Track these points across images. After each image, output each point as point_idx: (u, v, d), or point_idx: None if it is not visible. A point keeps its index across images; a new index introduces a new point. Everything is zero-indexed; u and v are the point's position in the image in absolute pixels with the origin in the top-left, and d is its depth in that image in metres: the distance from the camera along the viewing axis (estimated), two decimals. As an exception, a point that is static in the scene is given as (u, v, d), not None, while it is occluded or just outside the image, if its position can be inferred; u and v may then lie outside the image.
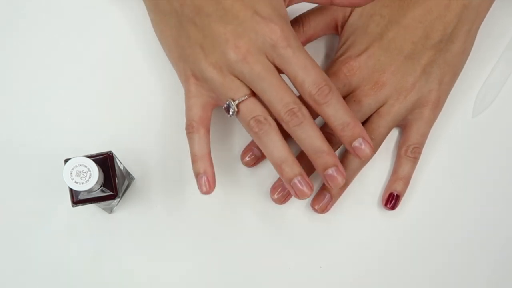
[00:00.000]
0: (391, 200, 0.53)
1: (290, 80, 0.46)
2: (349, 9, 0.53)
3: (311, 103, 0.46)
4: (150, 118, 0.54)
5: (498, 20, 0.56)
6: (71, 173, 0.43)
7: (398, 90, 0.52)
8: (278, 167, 0.47)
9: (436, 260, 0.54)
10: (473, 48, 0.54)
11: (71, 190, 0.46)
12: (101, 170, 0.45)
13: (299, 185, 0.46)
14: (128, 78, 0.55)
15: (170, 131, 0.54)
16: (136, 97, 0.54)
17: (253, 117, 0.46)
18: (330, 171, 0.46)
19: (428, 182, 0.54)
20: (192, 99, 0.48)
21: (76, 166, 0.43)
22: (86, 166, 0.43)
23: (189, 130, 0.48)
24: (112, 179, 0.46)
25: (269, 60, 0.46)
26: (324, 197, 0.52)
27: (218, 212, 0.53)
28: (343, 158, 0.53)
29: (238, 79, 0.46)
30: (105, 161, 0.46)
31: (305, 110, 0.46)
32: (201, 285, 0.53)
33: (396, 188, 0.53)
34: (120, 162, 0.50)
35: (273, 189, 0.52)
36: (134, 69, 0.55)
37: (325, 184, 0.48)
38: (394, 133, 0.55)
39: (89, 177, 0.43)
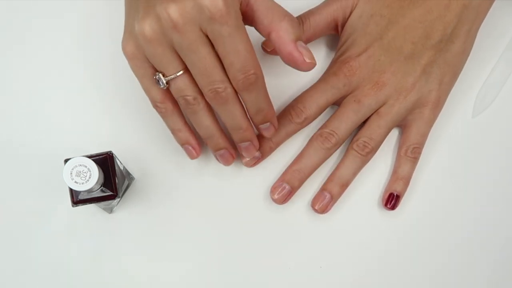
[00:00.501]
0: (391, 200, 0.53)
1: (220, 57, 0.44)
2: (349, 9, 0.53)
3: (234, 85, 0.45)
4: (150, 118, 0.54)
5: (498, 20, 0.56)
6: (71, 173, 0.43)
7: (398, 90, 0.52)
8: (205, 140, 0.49)
9: (436, 260, 0.54)
10: (473, 48, 0.54)
11: (71, 190, 0.46)
12: (101, 170, 0.45)
13: (222, 156, 0.50)
14: (128, 78, 0.54)
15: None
16: (136, 97, 0.54)
17: (182, 96, 0.46)
18: (245, 144, 0.49)
19: (428, 182, 0.54)
20: (144, 79, 0.47)
21: (76, 166, 0.43)
22: (86, 166, 0.43)
23: (158, 110, 0.48)
24: (112, 179, 0.46)
25: (202, 32, 0.43)
26: (324, 197, 0.52)
27: (218, 212, 0.53)
28: (343, 158, 0.53)
29: (170, 49, 0.44)
30: (105, 161, 0.46)
31: (230, 90, 0.45)
32: (201, 285, 0.53)
33: (396, 188, 0.53)
34: (120, 162, 0.50)
35: (274, 189, 0.52)
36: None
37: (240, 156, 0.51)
38: (394, 133, 0.55)
39: (89, 177, 0.43)
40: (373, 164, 0.54)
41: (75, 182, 0.43)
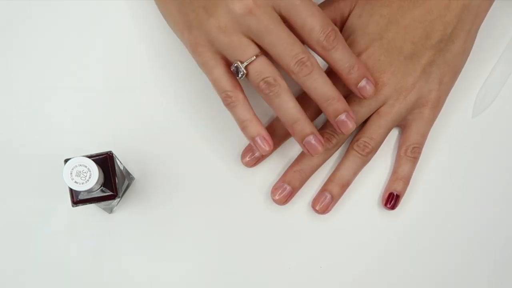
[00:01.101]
0: (391, 200, 0.53)
1: (297, 29, 0.46)
2: (347, 9, 0.53)
3: (319, 49, 0.47)
4: (150, 118, 0.54)
5: (498, 20, 0.56)
6: (71, 173, 0.43)
7: (398, 90, 0.52)
8: (290, 127, 0.48)
9: (436, 260, 0.54)
10: (473, 48, 0.54)
11: (71, 190, 0.46)
12: (101, 170, 0.45)
13: (312, 142, 0.48)
14: (128, 78, 0.55)
15: (170, 131, 0.54)
16: (136, 97, 0.54)
17: (263, 79, 0.46)
18: (342, 116, 0.48)
19: (428, 182, 0.54)
20: (214, 70, 0.47)
21: (76, 166, 0.43)
22: (86, 166, 0.43)
23: (228, 101, 0.48)
24: (112, 179, 0.46)
25: (275, 11, 0.46)
26: (325, 198, 0.52)
27: (218, 212, 0.53)
28: (343, 158, 0.53)
29: (245, 36, 0.46)
30: (105, 161, 0.46)
31: (313, 59, 0.46)
32: (201, 285, 0.53)
33: (396, 188, 0.53)
34: (120, 162, 0.50)
35: (274, 190, 0.52)
36: (134, 69, 0.55)
37: (336, 130, 0.49)
38: (394, 133, 0.55)
39: (89, 177, 0.43)
40: (373, 164, 0.54)
41: (75, 182, 0.43)
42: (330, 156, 0.53)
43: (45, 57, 0.54)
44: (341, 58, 0.47)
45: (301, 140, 0.48)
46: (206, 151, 0.54)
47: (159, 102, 0.54)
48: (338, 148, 0.53)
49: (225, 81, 0.47)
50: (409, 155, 0.53)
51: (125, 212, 0.53)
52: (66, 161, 0.44)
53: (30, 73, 0.54)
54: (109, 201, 0.47)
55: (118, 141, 0.53)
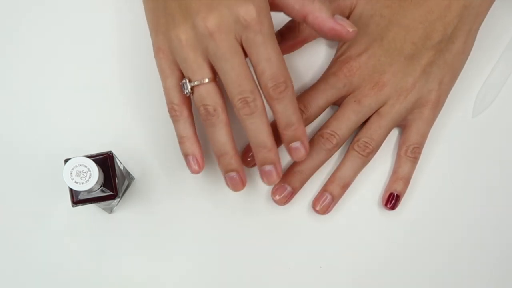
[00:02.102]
0: (391, 200, 0.53)
1: (252, 65, 0.45)
2: (348, 10, 0.53)
3: (264, 94, 0.46)
4: (150, 118, 0.54)
5: (498, 20, 0.56)
6: (71, 173, 0.43)
7: (398, 90, 0.52)
8: (217, 158, 0.48)
9: (436, 260, 0.54)
10: (473, 48, 0.54)
11: (71, 190, 0.46)
12: (101, 170, 0.45)
13: (231, 179, 0.48)
14: (128, 78, 0.55)
15: (170, 131, 0.54)
16: (137, 97, 0.54)
17: (203, 105, 0.46)
18: (266, 168, 0.47)
19: (428, 182, 0.54)
20: (168, 79, 0.47)
21: (76, 166, 0.43)
22: (86, 166, 0.43)
23: (172, 114, 0.48)
24: (112, 179, 0.46)
25: (237, 40, 0.44)
26: (325, 198, 0.52)
27: (218, 212, 0.53)
28: (344, 158, 0.53)
29: (202, 56, 0.45)
30: (105, 161, 0.46)
31: (259, 102, 0.45)
32: (201, 285, 0.53)
33: (396, 188, 0.53)
34: (120, 162, 0.50)
35: (275, 190, 0.52)
36: (135, 69, 0.55)
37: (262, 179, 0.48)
38: (394, 133, 0.55)
39: (89, 177, 0.43)
40: (373, 164, 0.54)
41: (75, 182, 0.43)
42: (331, 156, 0.53)
43: (45, 57, 0.54)
44: (283, 112, 0.46)
45: (224, 173, 0.48)
46: (205, 151, 0.54)
47: (159, 102, 0.54)
48: (338, 149, 0.53)
49: (175, 94, 0.47)
50: (409, 155, 0.53)
51: (125, 212, 0.53)
52: (66, 161, 0.44)
53: (30, 73, 0.54)
54: (109, 201, 0.47)
55: (118, 141, 0.53)
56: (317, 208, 0.52)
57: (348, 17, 0.53)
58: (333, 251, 0.53)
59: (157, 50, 0.47)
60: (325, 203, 0.52)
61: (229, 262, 0.53)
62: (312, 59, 0.56)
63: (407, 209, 0.54)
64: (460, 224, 0.54)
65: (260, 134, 0.46)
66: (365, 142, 0.52)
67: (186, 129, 0.48)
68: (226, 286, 0.53)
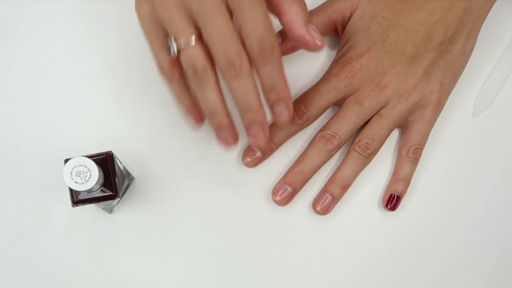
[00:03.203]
0: (392, 201, 0.53)
1: (237, 26, 0.43)
2: (348, 11, 0.53)
3: (250, 55, 0.44)
4: (150, 118, 0.54)
5: (498, 20, 0.56)
6: (71, 173, 0.43)
7: (399, 92, 0.52)
8: (208, 116, 0.46)
9: (436, 260, 0.54)
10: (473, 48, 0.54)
11: (71, 190, 0.46)
12: (101, 170, 0.45)
13: (223, 136, 0.46)
14: (128, 78, 0.55)
15: (170, 131, 0.54)
16: (137, 97, 0.54)
17: (192, 66, 0.44)
18: (253, 129, 0.45)
19: (429, 182, 0.54)
20: (154, 42, 0.45)
21: (76, 166, 0.43)
22: (86, 166, 0.43)
23: (163, 75, 0.46)
24: (112, 179, 0.46)
25: (222, 1, 0.42)
26: (325, 199, 0.52)
27: (218, 212, 0.53)
28: (344, 159, 0.53)
29: (186, 16, 0.43)
30: (105, 161, 0.46)
31: (245, 63, 0.43)
32: (201, 285, 0.53)
33: (397, 189, 0.53)
34: (120, 162, 0.49)
35: (275, 191, 0.52)
36: (134, 69, 0.55)
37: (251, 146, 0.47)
38: (395, 134, 0.55)
39: (89, 177, 0.43)
40: (374, 165, 0.54)
41: (75, 182, 0.43)
42: (331, 157, 0.53)
43: (45, 57, 0.54)
44: (268, 75, 0.44)
45: (216, 131, 0.46)
46: (206, 151, 0.54)
47: (159, 102, 0.54)
48: (339, 149, 0.53)
49: (163, 57, 0.45)
50: (410, 156, 0.53)
51: (125, 212, 0.53)
52: (66, 161, 0.44)
53: (30, 73, 0.54)
54: (109, 201, 0.47)
55: (118, 141, 0.53)
56: (318, 209, 0.52)
57: (348, 19, 0.53)
58: (333, 251, 0.53)
59: (141, 15, 0.45)
60: (325, 203, 0.52)
61: (229, 262, 0.53)
62: (313, 60, 0.56)
63: (408, 209, 0.54)
64: (461, 224, 0.54)
65: (247, 96, 0.44)
66: (366, 143, 0.52)
67: (181, 89, 0.47)
68: (226, 285, 0.53)
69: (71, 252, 0.52)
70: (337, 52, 0.54)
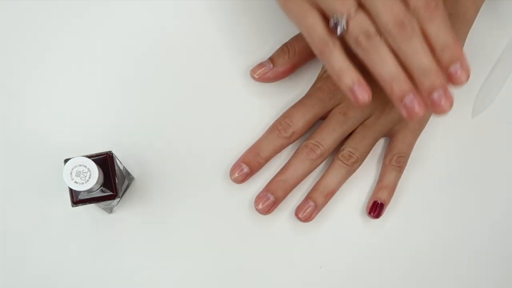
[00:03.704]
0: (375, 209, 0.52)
1: None
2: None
3: (416, 17, 0.42)
4: (150, 118, 0.54)
5: (498, 20, 0.56)
6: (71, 173, 0.43)
7: (383, 103, 0.51)
8: (388, 85, 0.43)
9: (436, 261, 0.54)
10: (473, 48, 0.54)
11: (71, 190, 0.46)
12: (101, 170, 0.45)
13: (410, 104, 0.43)
14: (128, 78, 0.55)
15: (170, 131, 0.54)
16: (137, 97, 0.54)
17: (363, 32, 0.42)
18: (437, 94, 0.42)
19: (427, 183, 0.54)
20: (309, 17, 0.44)
21: (76, 166, 0.43)
22: (86, 166, 0.43)
23: (324, 49, 0.44)
24: (112, 179, 0.46)
25: None
26: (308, 206, 0.52)
27: (218, 212, 0.53)
28: (328, 167, 0.53)
29: None
30: (105, 161, 0.46)
31: (415, 23, 0.42)
32: (201, 285, 0.53)
33: (381, 197, 0.52)
34: (120, 162, 0.50)
35: (258, 199, 0.52)
36: (134, 69, 0.55)
37: (432, 107, 0.43)
38: (384, 142, 0.55)
39: (89, 177, 0.43)
40: (374, 166, 0.54)
41: (75, 182, 0.43)
42: (315, 167, 0.52)
43: (45, 56, 0.54)
44: (437, 31, 0.42)
45: (400, 100, 0.43)
46: (206, 151, 0.54)
47: (159, 102, 0.54)
48: (323, 159, 0.52)
49: (321, 28, 0.43)
50: (394, 164, 0.52)
51: (125, 212, 0.53)
52: (66, 161, 0.44)
53: (30, 73, 0.54)
54: (109, 201, 0.47)
55: (118, 141, 0.53)
56: (300, 215, 0.52)
57: None
58: (333, 251, 0.53)
59: None
60: (308, 210, 0.52)
61: (229, 261, 0.53)
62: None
63: (407, 209, 0.54)
64: (460, 224, 0.54)
65: (423, 58, 0.42)
66: (350, 152, 0.52)
67: (343, 60, 0.44)
68: (226, 285, 0.53)
69: (71, 252, 0.52)
70: (321, 69, 0.54)
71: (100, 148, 0.48)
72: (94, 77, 0.54)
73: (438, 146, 0.55)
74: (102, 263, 0.52)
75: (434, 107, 0.43)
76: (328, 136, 0.52)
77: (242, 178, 0.52)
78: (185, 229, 0.53)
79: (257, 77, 0.53)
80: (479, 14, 0.53)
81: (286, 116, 0.52)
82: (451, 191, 0.54)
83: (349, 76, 0.44)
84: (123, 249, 0.52)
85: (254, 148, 0.52)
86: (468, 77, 0.43)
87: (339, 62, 0.44)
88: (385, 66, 0.43)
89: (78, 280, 0.52)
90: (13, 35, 0.55)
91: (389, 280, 0.53)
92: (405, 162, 0.53)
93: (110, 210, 0.52)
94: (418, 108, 0.43)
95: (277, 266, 0.53)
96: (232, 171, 0.52)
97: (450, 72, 0.43)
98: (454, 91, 0.54)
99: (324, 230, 0.54)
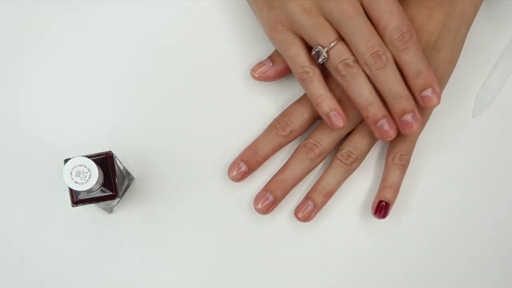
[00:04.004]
0: (381, 209, 0.52)
1: (374, 22, 0.47)
2: None
3: (390, 47, 0.47)
4: (150, 118, 0.54)
5: (498, 20, 0.56)
6: (71, 173, 0.43)
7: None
8: (364, 109, 0.48)
9: (436, 261, 0.54)
10: (473, 48, 0.54)
11: (71, 190, 0.46)
12: (101, 170, 0.45)
13: (383, 127, 0.48)
14: (128, 78, 0.55)
15: (170, 131, 0.54)
16: (137, 97, 0.54)
17: (342, 61, 0.47)
18: (407, 117, 0.47)
19: (428, 183, 0.54)
20: (292, 47, 0.49)
21: (76, 166, 0.43)
22: (86, 166, 0.43)
23: (305, 76, 0.49)
24: (112, 179, 0.46)
25: (358, 0, 0.47)
26: (307, 206, 0.52)
27: (218, 212, 0.53)
28: (328, 167, 0.52)
29: (327, 21, 0.47)
30: (105, 161, 0.46)
31: (389, 54, 0.47)
32: (201, 285, 0.53)
33: (386, 196, 0.52)
34: (120, 162, 0.50)
35: (257, 199, 0.52)
36: (135, 69, 0.55)
37: (400, 130, 0.49)
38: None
39: (89, 177, 0.43)
40: (376, 166, 0.54)
41: (75, 182, 0.43)
42: (314, 166, 0.52)
43: (46, 57, 0.54)
44: (410, 61, 0.47)
45: (374, 124, 0.48)
46: (206, 151, 0.54)
47: (159, 103, 0.54)
48: (322, 159, 0.52)
49: (303, 57, 0.48)
50: (397, 162, 0.52)
51: (125, 212, 0.53)
52: (66, 161, 0.44)
53: (30, 73, 0.54)
54: (109, 201, 0.47)
55: (118, 141, 0.53)
56: (299, 215, 0.52)
57: None
58: (333, 252, 0.53)
59: (274, 24, 0.49)
60: (307, 210, 0.52)
61: (229, 261, 0.53)
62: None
63: (407, 210, 0.54)
64: (460, 224, 0.54)
65: (395, 84, 0.47)
66: (348, 151, 0.52)
67: (321, 88, 0.49)
68: (226, 285, 0.53)
69: (71, 252, 0.52)
70: None
71: (100, 148, 0.48)
72: (94, 77, 0.54)
73: (438, 146, 0.55)
74: (102, 263, 0.52)
75: (403, 128, 0.48)
76: (327, 136, 0.52)
77: (240, 177, 0.52)
78: (185, 229, 0.53)
79: (257, 75, 0.53)
80: (479, 14, 0.53)
81: (284, 115, 0.52)
82: (451, 191, 0.54)
83: (326, 104, 0.49)
84: (123, 249, 0.52)
85: (252, 147, 0.52)
86: (439, 100, 0.48)
87: (318, 90, 0.49)
88: (361, 93, 0.47)
89: (78, 280, 0.52)
90: (14, 36, 0.55)
91: (389, 280, 0.53)
92: (408, 160, 0.53)
93: (110, 210, 0.52)
94: (390, 131, 0.48)
95: (277, 266, 0.53)
96: (230, 169, 0.52)
97: (423, 96, 0.48)
98: (454, 91, 0.54)
99: (324, 230, 0.54)
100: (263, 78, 0.53)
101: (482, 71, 0.56)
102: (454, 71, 0.53)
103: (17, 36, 0.55)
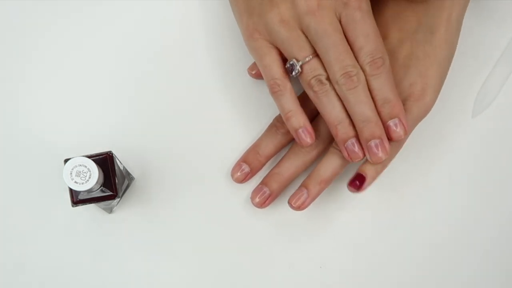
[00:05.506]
0: (355, 180, 0.50)
1: (349, 43, 0.46)
2: None
3: (362, 70, 0.46)
4: (150, 118, 0.54)
5: (498, 20, 0.56)
6: (71, 173, 0.43)
7: None
8: (333, 127, 0.47)
9: (436, 261, 0.54)
10: (473, 48, 0.54)
11: (71, 190, 0.46)
12: (101, 170, 0.45)
13: (352, 147, 0.47)
14: (128, 78, 0.55)
15: (170, 131, 0.54)
16: (137, 97, 0.54)
17: (315, 76, 0.46)
18: (373, 143, 0.46)
19: (427, 183, 0.54)
20: (266, 57, 0.48)
21: (76, 166, 0.43)
22: (86, 166, 0.43)
23: (276, 89, 0.48)
24: (112, 179, 0.46)
25: (336, 17, 0.46)
26: (302, 194, 0.50)
27: (218, 212, 0.53)
28: (324, 156, 0.51)
29: (304, 34, 0.46)
30: (105, 161, 0.46)
31: (362, 76, 0.46)
32: (201, 284, 0.53)
33: (366, 171, 0.50)
34: (120, 162, 0.50)
35: (254, 193, 0.52)
36: (134, 69, 0.55)
37: (365, 157, 0.47)
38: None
39: (89, 177, 0.43)
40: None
41: (75, 182, 0.43)
42: (311, 160, 0.52)
43: (45, 57, 0.54)
44: (379, 87, 0.46)
45: (343, 143, 0.47)
46: (206, 151, 0.54)
47: (159, 103, 0.54)
48: (318, 152, 0.51)
49: (276, 69, 0.47)
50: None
51: (125, 212, 0.53)
52: (66, 161, 0.44)
53: (30, 73, 0.54)
54: (109, 201, 0.47)
55: (118, 141, 0.53)
56: (293, 204, 0.50)
57: None
58: (333, 252, 0.53)
59: (252, 32, 0.48)
60: (301, 199, 0.50)
61: (229, 261, 0.53)
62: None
63: (407, 209, 0.54)
64: (460, 224, 0.54)
65: (365, 107, 0.46)
66: None
67: (291, 103, 0.48)
68: (226, 285, 0.53)
69: (71, 252, 0.52)
70: None
71: (100, 148, 0.48)
72: (94, 77, 0.54)
73: (438, 146, 0.55)
74: (102, 263, 0.52)
75: (369, 154, 0.47)
76: (323, 128, 0.51)
77: (243, 178, 0.52)
78: (185, 229, 0.53)
79: (253, 73, 0.54)
80: (479, 14, 0.53)
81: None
82: (451, 191, 0.54)
83: (296, 120, 0.48)
84: (123, 249, 0.52)
85: (254, 147, 0.52)
86: (405, 132, 0.47)
87: (288, 104, 0.48)
88: (332, 110, 0.47)
89: (78, 280, 0.52)
90: (14, 36, 0.55)
91: (389, 280, 0.53)
92: (403, 140, 0.51)
93: (110, 210, 0.52)
94: (358, 152, 0.47)
95: (277, 266, 0.53)
96: (233, 171, 0.52)
97: (388, 126, 0.47)
98: (454, 91, 0.54)
99: (324, 230, 0.54)
100: (259, 75, 0.53)
101: (482, 71, 0.56)
102: (454, 71, 0.52)
103: (17, 36, 0.55)
